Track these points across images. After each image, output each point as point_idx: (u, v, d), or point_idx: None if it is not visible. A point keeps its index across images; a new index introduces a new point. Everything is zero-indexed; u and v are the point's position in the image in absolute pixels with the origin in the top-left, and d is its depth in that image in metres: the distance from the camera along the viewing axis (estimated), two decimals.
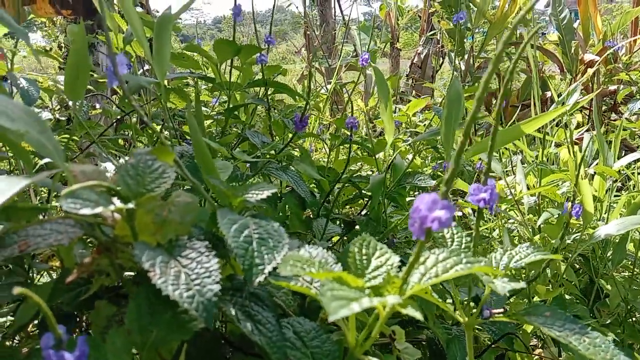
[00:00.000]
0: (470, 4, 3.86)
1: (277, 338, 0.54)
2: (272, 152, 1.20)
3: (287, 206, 1.24)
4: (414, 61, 5.59)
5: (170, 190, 0.58)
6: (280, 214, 1.25)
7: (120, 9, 1.75)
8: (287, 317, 0.65)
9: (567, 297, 1.40)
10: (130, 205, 0.47)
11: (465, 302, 0.57)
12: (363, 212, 1.47)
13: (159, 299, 0.47)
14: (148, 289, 0.47)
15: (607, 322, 1.24)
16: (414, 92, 5.35)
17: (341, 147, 1.50)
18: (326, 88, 3.60)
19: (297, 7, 5.44)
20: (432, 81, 5.57)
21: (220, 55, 1.18)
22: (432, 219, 0.40)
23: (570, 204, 0.89)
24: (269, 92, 1.28)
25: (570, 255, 1.49)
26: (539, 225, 1.38)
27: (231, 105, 1.23)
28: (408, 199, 1.50)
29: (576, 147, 1.22)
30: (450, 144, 1.06)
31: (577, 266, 1.49)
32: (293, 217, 1.10)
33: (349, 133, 1.24)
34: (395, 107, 2.16)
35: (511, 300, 1.13)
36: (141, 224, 0.51)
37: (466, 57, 3.98)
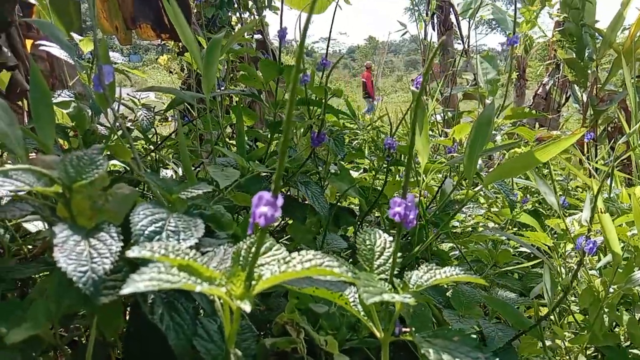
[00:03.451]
0: (596, 33, 3.59)
1: (187, 328, 0.58)
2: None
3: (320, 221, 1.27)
4: (538, 92, 5.29)
5: None
6: (313, 228, 1.28)
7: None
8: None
9: (634, 352, 1.25)
10: (53, 189, 0.55)
11: (383, 318, 0.56)
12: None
13: None
14: None
15: None
16: (537, 125, 5.05)
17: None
18: (442, 115, 3.56)
19: (411, 35, 5.46)
20: (558, 114, 5.22)
21: (266, 75, 1.26)
22: (259, 214, 0.41)
23: (584, 239, 0.81)
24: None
25: None
26: (599, 268, 1.25)
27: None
28: None
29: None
30: (473, 165, 1.02)
31: None
32: (299, 230, 1.13)
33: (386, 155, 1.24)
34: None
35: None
36: (79, 208, 0.58)
37: (589, 89, 3.68)
